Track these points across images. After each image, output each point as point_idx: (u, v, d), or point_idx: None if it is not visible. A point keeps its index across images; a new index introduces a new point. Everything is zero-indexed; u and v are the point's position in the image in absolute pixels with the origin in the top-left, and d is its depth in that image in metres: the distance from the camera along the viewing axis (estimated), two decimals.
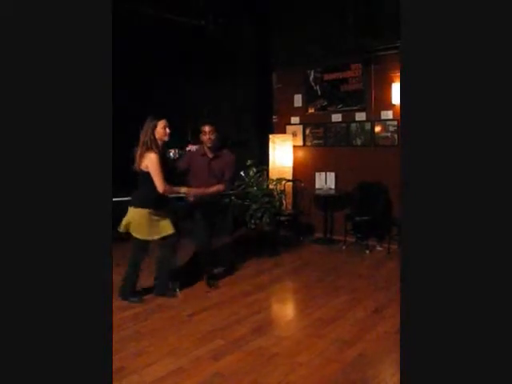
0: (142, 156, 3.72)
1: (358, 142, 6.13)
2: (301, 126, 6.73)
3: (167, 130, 3.77)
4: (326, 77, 6.36)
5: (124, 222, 3.79)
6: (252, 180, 5.79)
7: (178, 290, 4.11)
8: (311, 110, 6.57)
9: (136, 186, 3.84)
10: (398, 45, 5.47)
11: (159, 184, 3.70)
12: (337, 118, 6.33)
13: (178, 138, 6.91)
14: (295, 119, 6.81)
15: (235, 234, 6.61)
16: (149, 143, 3.70)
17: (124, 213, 3.79)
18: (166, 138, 3.79)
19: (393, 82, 5.64)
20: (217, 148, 4.42)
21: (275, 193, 6.05)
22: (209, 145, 4.35)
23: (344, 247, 5.83)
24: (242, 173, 6.39)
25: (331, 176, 6.25)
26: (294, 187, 6.65)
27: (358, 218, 5.83)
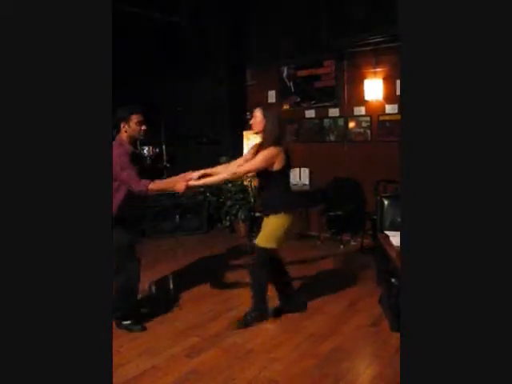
0: None
1: (332, 137, 6.17)
2: None
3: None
4: (299, 73, 6.38)
5: None
6: None
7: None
8: (285, 107, 6.57)
9: None
10: (370, 41, 5.54)
11: None
12: (310, 114, 6.36)
13: (153, 135, 6.85)
14: None
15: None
16: None
17: None
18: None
19: (365, 78, 5.69)
20: None
21: (250, 189, 6.06)
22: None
23: (319, 242, 5.88)
24: None
25: (305, 172, 6.27)
26: None
27: (332, 213, 5.88)
